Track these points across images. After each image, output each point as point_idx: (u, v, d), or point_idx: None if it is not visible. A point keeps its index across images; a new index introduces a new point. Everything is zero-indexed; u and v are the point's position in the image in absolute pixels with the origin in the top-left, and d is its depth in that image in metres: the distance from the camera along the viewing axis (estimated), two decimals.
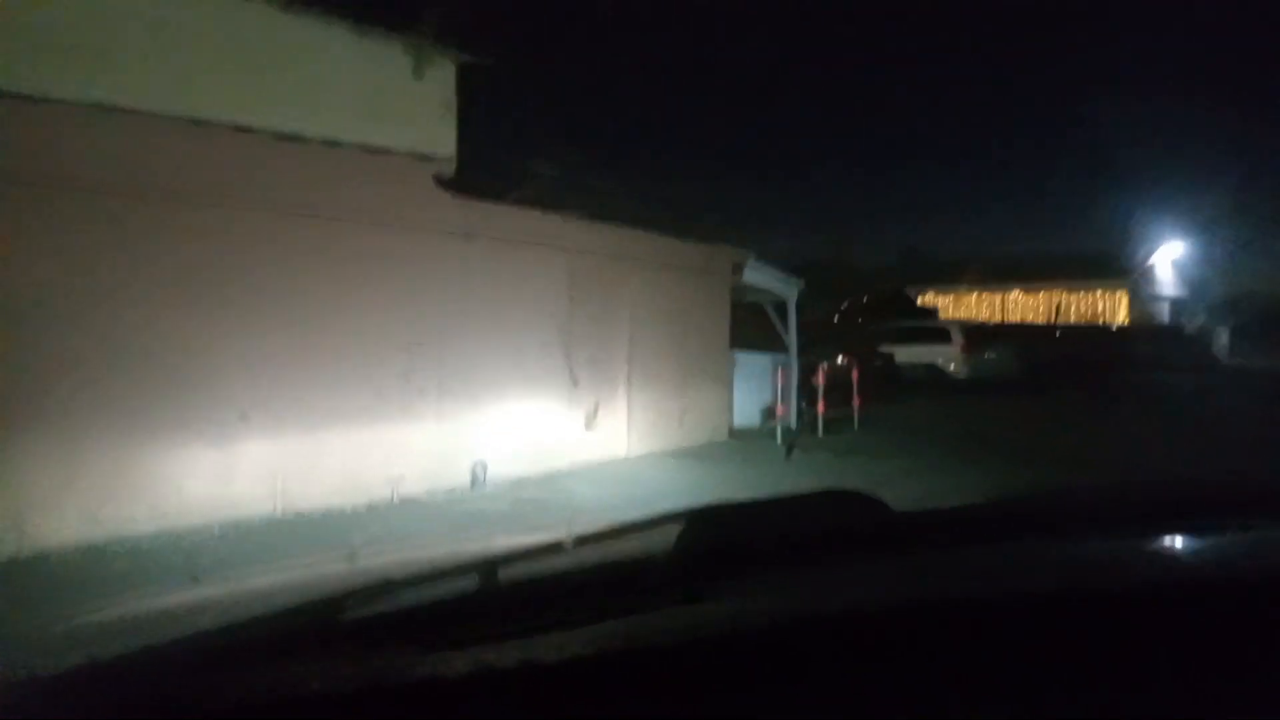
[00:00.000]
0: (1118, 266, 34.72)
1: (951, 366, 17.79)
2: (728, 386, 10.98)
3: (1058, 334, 24.32)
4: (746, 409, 11.41)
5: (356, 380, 6.80)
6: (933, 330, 19.21)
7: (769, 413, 11.11)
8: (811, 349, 16.02)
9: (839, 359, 16.65)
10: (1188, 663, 0.77)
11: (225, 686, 0.72)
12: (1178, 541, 1.18)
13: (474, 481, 7.49)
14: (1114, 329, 29.65)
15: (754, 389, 11.53)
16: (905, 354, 18.29)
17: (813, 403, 11.49)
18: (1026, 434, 11.52)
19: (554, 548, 1.13)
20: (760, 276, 11.36)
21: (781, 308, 12.53)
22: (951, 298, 36.91)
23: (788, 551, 1.00)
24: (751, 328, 12.73)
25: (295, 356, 6.43)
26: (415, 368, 7.26)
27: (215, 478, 5.94)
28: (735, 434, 10.94)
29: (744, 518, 1.17)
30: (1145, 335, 27.14)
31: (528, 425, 8.16)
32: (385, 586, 1.06)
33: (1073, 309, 35.26)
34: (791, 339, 12.33)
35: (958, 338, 18.05)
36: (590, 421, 8.90)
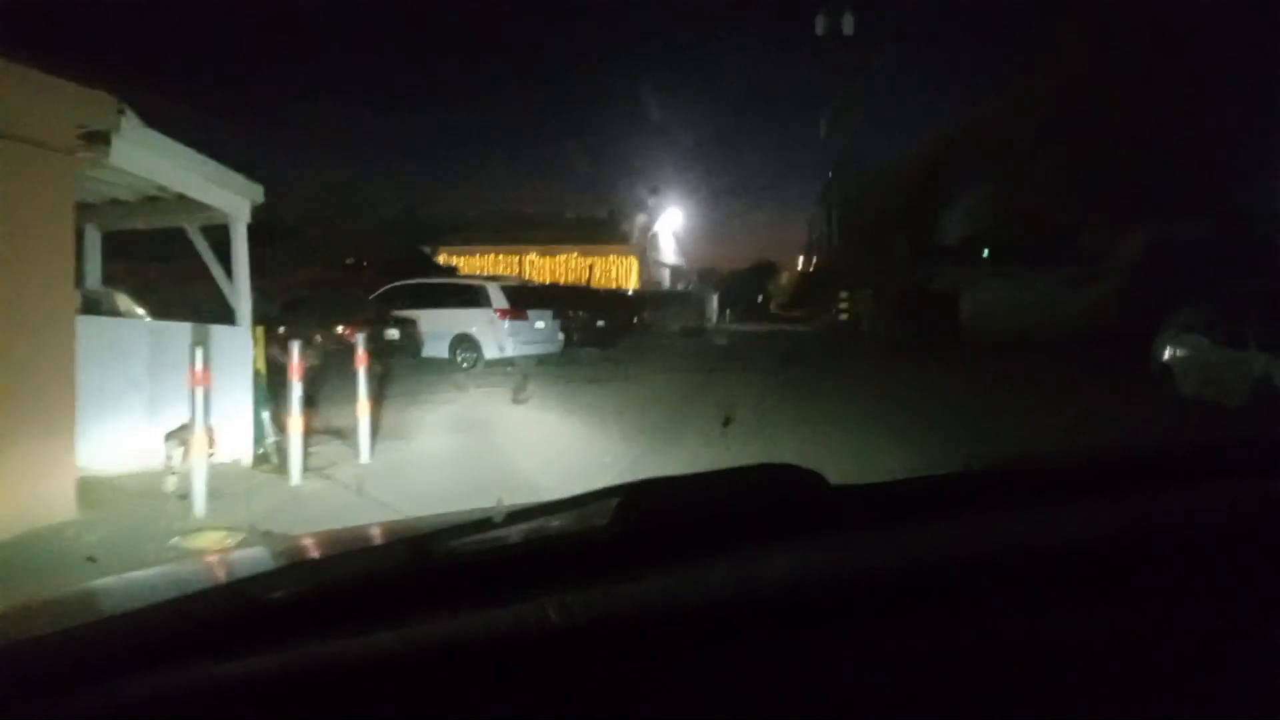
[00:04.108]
0: (627, 233, 34.98)
1: (489, 336, 13.38)
2: (69, 388, 4.92)
3: (602, 297, 22.35)
4: (125, 433, 5.50)
5: None
6: (463, 289, 14.49)
7: (178, 439, 5.33)
8: (289, 315, 10.79)
9: (338, 329, 11.52)
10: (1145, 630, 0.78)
11: (128, 684, 0.65)
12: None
13: None
14: (631, 294, 29.71)
15: (143, 392, 5.63)
16: (428, 321, 13.51)
17: (280, 415, 6.02)
18: (647, 430, 7.33)
19: (486, 523, 0.99)
20: (156, 161, 5.48)
21: (220, 236, 6.77)
22: (464, 259, 33.55)
23: (724, 527, 0.93)
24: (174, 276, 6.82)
25: None
26: None
27: None
28: (96, 494, 5.00)
29: (681, 492, 1.01)
30: (657, 300, 29.90)
31: None
32: (308, 566, 0.93)
33: (586, 273, 34.36)
34: (241, 293, 6.63)
35: (497, 299, 13.64)
36: None
